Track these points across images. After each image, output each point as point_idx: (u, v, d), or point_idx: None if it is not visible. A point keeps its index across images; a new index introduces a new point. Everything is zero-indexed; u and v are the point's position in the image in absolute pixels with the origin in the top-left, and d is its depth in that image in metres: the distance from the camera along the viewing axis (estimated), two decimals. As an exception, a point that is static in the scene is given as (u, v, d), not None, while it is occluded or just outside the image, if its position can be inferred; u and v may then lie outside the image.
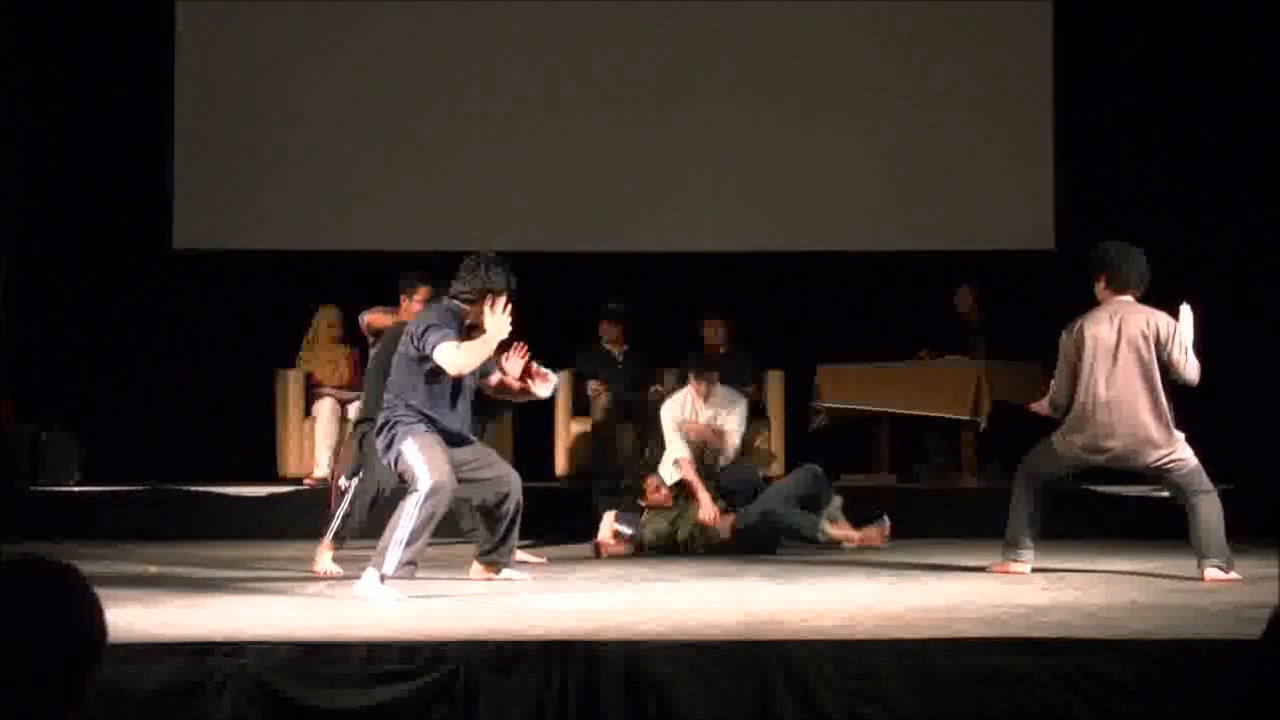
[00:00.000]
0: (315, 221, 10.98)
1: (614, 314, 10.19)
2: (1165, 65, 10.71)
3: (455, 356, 6.59)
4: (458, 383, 6.78)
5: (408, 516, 6.44)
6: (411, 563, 6.47)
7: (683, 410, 8.90)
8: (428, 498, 6.46)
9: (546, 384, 7.03)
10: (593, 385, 9.98)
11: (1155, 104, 10.73)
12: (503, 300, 6.67)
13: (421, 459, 6.55)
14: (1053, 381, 7.20)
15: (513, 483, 6.96)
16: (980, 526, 8.51)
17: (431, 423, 6.69)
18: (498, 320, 6.60)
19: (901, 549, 8.33)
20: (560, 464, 10.07)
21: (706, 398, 8.93)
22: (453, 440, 6.74)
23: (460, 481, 6.67)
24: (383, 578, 6.39)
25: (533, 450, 9.48)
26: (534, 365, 6.97)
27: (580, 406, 10.08)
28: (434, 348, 6.60)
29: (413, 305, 7.96)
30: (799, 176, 10.77)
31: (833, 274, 10.86)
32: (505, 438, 9.36)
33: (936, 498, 9.52)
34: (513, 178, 10.97)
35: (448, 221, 10.86)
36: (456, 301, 6.79)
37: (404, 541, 6.41)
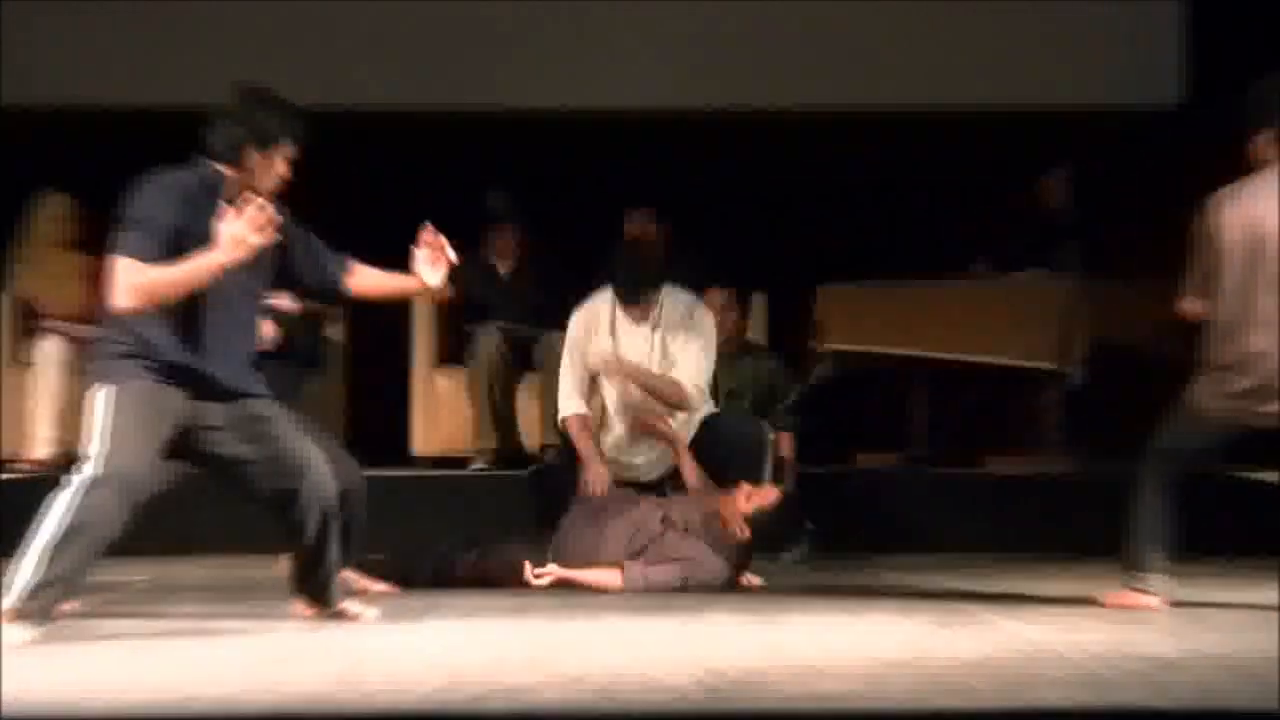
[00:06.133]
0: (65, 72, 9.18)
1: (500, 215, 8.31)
2: None
3: (131, 280, 4.80)
4: (229, 294, 4.93)
5: (52, 517, 4.79)
6: (53, 585, 4.71)
7: (590, 331, 6.54)
8: (87, 492, 4.77)
9: (440, 267, 5.28)
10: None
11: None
12: (281, 163, 4.98)
13: (100, 427, 4.82)
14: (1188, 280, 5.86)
15: (318, 479, 5.05)
16: (1065, 534, 7.32)
17: (163, 362, 4.89)
18: (234, 231, 4.83)
19: (941, 569, 6.87)
20: (419, 439, 8.30)
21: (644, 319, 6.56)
22: (214, 392, 4.95)
23: (211, 456, 4.98)
24: (12, 612, 4.68)
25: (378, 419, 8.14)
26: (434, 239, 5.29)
27: (453, 351, 8.20)
28: (118, 254, 4.83)
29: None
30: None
31: (843, 144, 8.76)
32: (335, 403, 7.69)
33: (1001, 484, 7.89)
34: (384, 17, 9.23)
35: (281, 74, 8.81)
36: (213, 163, 5.00)
37: (40, 555, 4.72)
